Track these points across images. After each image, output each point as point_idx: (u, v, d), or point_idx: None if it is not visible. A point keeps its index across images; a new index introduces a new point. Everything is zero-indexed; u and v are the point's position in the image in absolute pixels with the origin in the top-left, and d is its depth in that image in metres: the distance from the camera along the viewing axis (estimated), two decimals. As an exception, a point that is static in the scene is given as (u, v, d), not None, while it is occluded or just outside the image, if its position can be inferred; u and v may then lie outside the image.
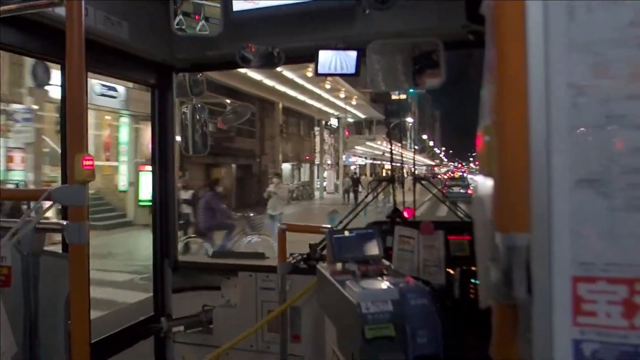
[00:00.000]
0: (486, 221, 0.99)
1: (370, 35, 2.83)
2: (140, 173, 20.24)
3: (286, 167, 38.34)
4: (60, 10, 1.66)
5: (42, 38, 2.46)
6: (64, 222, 1.68)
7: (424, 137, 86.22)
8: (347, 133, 46.61)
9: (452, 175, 74.57)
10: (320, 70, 2.92)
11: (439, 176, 72.61)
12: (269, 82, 26.95)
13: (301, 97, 33.34)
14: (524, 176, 0.89)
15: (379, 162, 61.67)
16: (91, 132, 17.62)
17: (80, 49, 1.61)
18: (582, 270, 0.85)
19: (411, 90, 4.32)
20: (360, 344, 1.75)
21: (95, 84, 17.28)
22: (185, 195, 13.55)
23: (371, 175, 42.79)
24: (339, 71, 2.97)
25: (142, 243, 14.63)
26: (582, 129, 0.87)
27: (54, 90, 14.66)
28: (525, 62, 0.89)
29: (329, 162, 46.50)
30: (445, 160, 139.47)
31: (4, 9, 1.75)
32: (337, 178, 46.71)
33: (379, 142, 49.39)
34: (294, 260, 3.29)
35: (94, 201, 19.51)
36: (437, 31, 2.80)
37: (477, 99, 1.08)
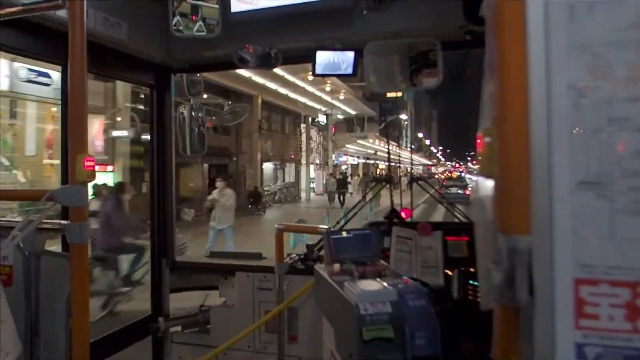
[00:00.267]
0: (487, 223, 0.99)
1: (368, 36, 2.83)
2: (87, 174, 18.08)
3: (268, 167, 35.61)
4: (62, 13, 1.66)
5: (44, 40, 2.46)
6: (65, 222, 1.68)
7: (420, 135, 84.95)
8: (334, 130, 44.08)
9: (449, 175, 73.63)
10: (317, 71, 2.92)
11: (436, 176, 72.05)
12: (246, 74, 24.20)
13: (283, 91, 30.62)
14: (525, 178, 0.89)
15: (372, 161, 60.06)
16: (33, 125, 15.62)
17: (82, 51, 1.62)
18: (584, 272, 0.85)
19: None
20: (358, 345, 1.75)
21: (20, 67, 14.03)
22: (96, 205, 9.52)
23: (364, 175, 40.72)
24: (336, 72, 2.97)
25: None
26: (583, 131, 0.87)
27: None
28: (525, 63, 0.89)
29: (318, 161, 43.63)
30: (443, 159, 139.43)
31: (6, 11, 1.75)
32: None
33: (370, 141, 48.39)
34: (292, 261, 3.29)
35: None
36: (435, 31, 2.80)
37: (476, 98, 1.08)
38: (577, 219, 0.86)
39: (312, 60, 2.90)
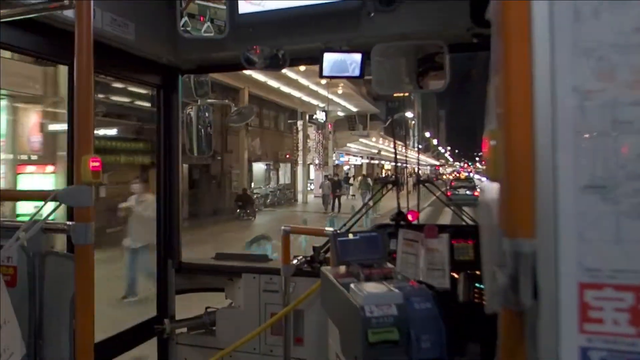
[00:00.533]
0: (492, 226, 0.99)
1: (375, 38, 2.83)
2: (20, 176, 14.74)
3: (259, 167, 32.86)
4: (69, 12, 1.66)
5: (50, 40, 2.47)
6: (70, 223, 1.69)
7: (427, 134, 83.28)
8: (330, 126, 40.00)
9: (457, 175, 72.46)
10: (325, 73, 2.92)
11: (444, 177, 71.22)
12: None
13: (274, 84, 28.33)
14: (530, 181, 0.89)
15: (377, 161, 58.25)
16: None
17: (89, 51, 1.62)
18: (588, 276, 0.85)
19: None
20: (364, 347, 1.75)
21: None
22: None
23: (364, 177, 36.82)
24: (343, 73, 2.97)
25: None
26: (588, 134, 0.86)
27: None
28: (531, 66, 0.89)
29: (317, 161, 39.58)
30: (451, 160, 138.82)
31: (13, 11, 1.76)
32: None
33: (374, 139, 46.13)
34: (298, 263, 3.29)
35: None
36: (442, 34, 2.80)
37: (484, 97, 1.08)
38: (581, 222, 0.86)
39: (319, 61, 2.90)
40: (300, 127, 37.59)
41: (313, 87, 30.91)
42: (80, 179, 1.60)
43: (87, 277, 1.65)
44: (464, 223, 3.46)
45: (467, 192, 32.99)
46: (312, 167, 40.04)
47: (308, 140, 38.72)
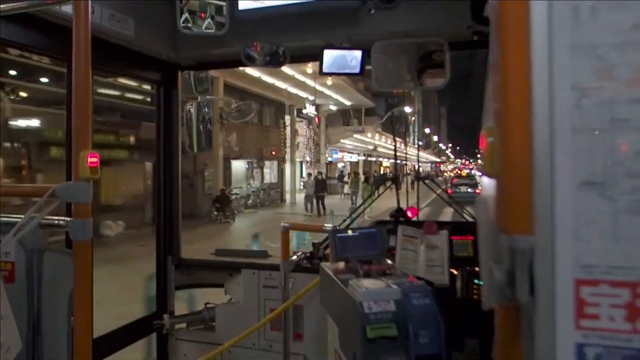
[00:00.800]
0: (489, 222, 0.99)
1: (375, 35, 2.83)
2: None
3: (239, 165, 30.21)
4: (67, 8, 1.66)
5: (48, 35, 2.47)
6: (68, 219, 1.69)
7: (427, 130, 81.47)
8: (317, 120, 36.69)
9: (458, 172, 71.36)
10: (325, 70, 2.92)
11: (445, 174, 70.47)
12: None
13: (255, 74, 25.43)
14: (527, 178, 0.89)
15: (374, 158, 55.95)
16: None
17: (86, 47, 1.62)
18: (584, 273, 0.85)
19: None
20: (362, 343, 1.75)
21: None
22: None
23: (355, 175, 33.62)
24: (343, 70, 2.97)
25: None
26: (586, 131, 0.87)
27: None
28: (529, 64, 0.89)
29: (308, 158, 36.78)
30: (452, 157, 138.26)
31: (11, 6, 1.76)
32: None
33: (369, 135, 43.17)
34: (297, 259, 3.29)
35: None
36: (442, 31, 2.80)
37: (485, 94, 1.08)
38: (579, 219, 0.86)
39: (319, 58, 2.90)
40: (288, 122, 34.90)
41: (299, 77, 28.24)
42: (78, 175, 1.60)
43: (85, 273, 1.66)
44: (463, 219, 3.46)
45: (469, 190, 31.64)
46: (304, 165, 37.54)
47: (297, 136, 36.30)
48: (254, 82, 27.18)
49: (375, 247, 2.33)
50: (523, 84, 0.90)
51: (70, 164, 1.66)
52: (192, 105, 3.38)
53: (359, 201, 25.49)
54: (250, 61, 2.93)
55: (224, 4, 2.73)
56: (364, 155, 52.75)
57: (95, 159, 1.60)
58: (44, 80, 16.84)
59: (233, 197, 25.40)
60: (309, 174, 30.94)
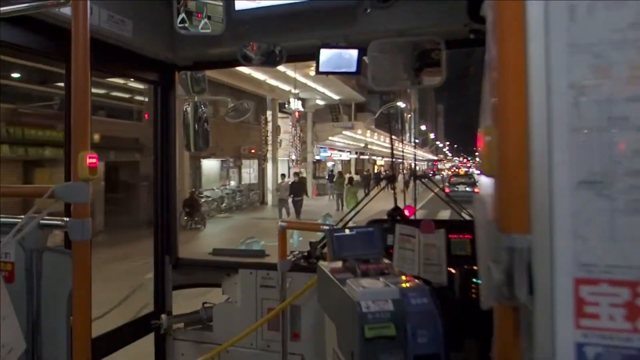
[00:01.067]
0: (487, 221, 0.99)
1: (372, 34, 2.83)
2: None
3: (211, 165, 27.77)
4: (66, 10, 1.66)
5: (46, 37, 2.47)
6: (67, 219, 1.69)
7: (423, 127, 79.00)
8: (296, 115, 32.95)
9: (456, 171, 70.10)
10: (321, 69, 2.92)
11: (443, 172, 70.07)
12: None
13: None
14: (525, 177, 0.89)
15: (367, 156, 53.49)
16: None
17: (85, 48, 1.62)
18: (584, 272, 0.85)
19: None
20: (360, 343, 1.75)
21: None
22: None
23: (339, 175, 31.06)
24: (340, 69, 2.98)
25: None
26: (584, 130, 0.87)
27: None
28: (526, 63, 0.89)
29: (294, 157, 33.86)
30: (450, 155, 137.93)
31: (9, 8, 1.76)
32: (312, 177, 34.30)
33: (359, 132, 39.82)
34: (295, 258, 3.29)
35: None
36: (439, 30, 2.80)
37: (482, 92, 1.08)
38: (577, 218, 0.86)
39: (316, 58, 2.90)
40: (269, 118, 32.04)
41: (280, 67, 23.16)
42: (77, 176, 1.60)
43: (84, 273, 1.66)
44: (460, 218, 3.46)
45: (467, 189, 30.47)
46: (291, 164, 34.27)
47: (280, 133, 33.25)
48: (230, 74, 24.66)
49: (372, 246, 2.32)
50: (520, 83, 0.90)
51: (69, 165, 1.66)
52: (189, 104, 3.38)
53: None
54: (247, 61, 2.93)
55: (220, 4, 2.73)
56: (356, 153, 50.44)
57: (94, 160, 1.60)
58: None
59: (203, 200, 23.42)
60: (283, 175, 28.12)
